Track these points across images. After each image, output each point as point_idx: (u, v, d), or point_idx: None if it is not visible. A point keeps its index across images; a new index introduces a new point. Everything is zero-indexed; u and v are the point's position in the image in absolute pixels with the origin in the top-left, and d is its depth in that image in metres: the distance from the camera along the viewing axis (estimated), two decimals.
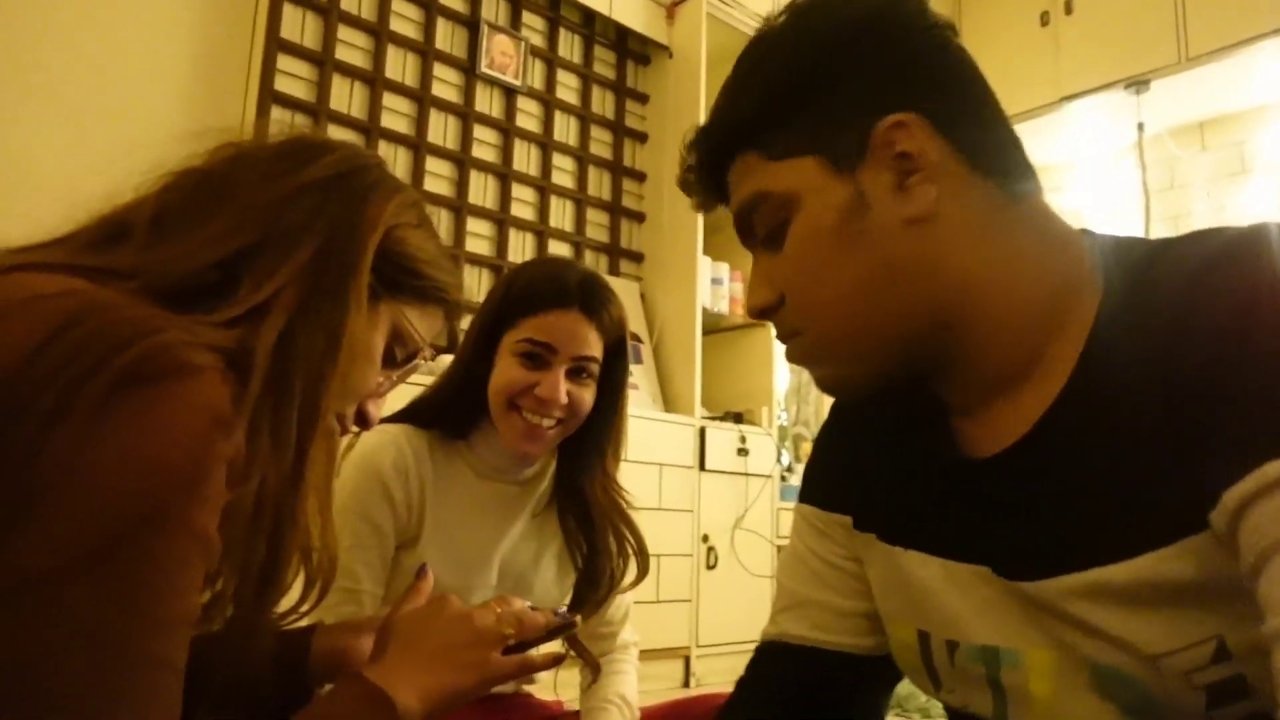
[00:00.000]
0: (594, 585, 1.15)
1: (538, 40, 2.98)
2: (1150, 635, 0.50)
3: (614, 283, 1.15)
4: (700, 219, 2.97)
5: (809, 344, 0.61)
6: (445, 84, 2.74)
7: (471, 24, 2.80)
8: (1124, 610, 0.51)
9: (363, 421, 0.67)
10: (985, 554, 0.59)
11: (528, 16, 2.96)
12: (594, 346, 1.08)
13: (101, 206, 0.57)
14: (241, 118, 2.25)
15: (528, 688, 1.23)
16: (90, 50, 2.11)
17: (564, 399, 1.06)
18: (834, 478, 0.74)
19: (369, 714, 0.63)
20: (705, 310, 2.99)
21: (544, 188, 2.94)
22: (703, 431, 2.82)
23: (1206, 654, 0.49)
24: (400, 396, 0.94)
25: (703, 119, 0.66)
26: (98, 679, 0.41)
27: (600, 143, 3.14)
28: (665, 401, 2.92)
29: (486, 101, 2.83)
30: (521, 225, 2.87)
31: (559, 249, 2.97)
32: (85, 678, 0.40)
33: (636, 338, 2.94)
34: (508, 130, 2.86)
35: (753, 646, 0.75)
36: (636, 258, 3.17)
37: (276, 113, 2.32)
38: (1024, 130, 0.61)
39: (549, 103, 2.99)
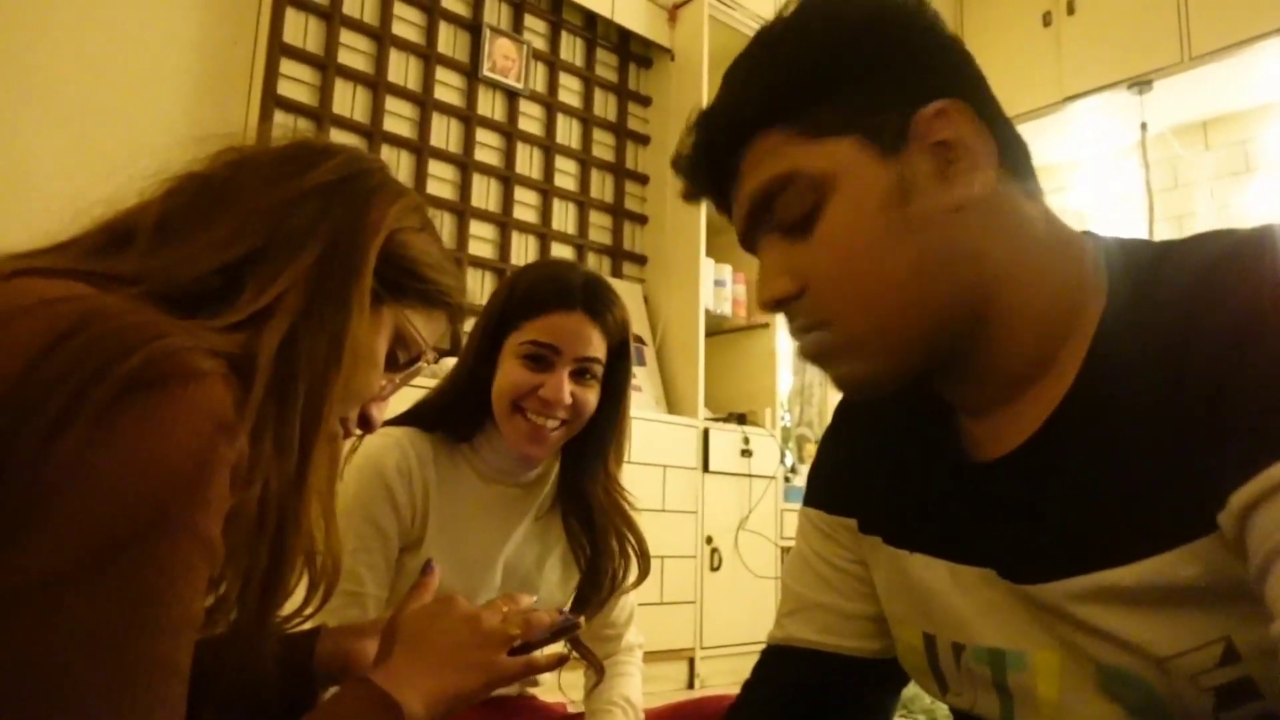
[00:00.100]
0: (596, 586, 1.15)
1: (540, 43, 2.99)
2: (1158, 637, 0.50)
3: (617, 285, 1.15)
4: (703, 221, 2.98)
5: (836, 338, 0.57)
6: (447, 87, 2.74)
7: (473, 27, 2.81)
8: (1131, 612, 0.51)
9: (366, 425, 0.67)
10: (991, 556, 0.58)
11: (530, 20, 2.97)
12: (597, 348, 1.08)
13: (105, 211, 0.58)
14: (244, 122, 2.25)
15: (532, 690, 1.23)
16: (93, 55, 2.12)
17: (568, 400, 1.06)
18: (839, 481, 0.73)
19: (374, 718, 0.62)
20: (708, 312, 2.99)
21: (546, 190, 2.94)
22: (706, 433, 2.81)
23: (1214, 656, 0.49)
24: (403, 399, 0.94)
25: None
26: (102, 684, 0.41)
27: (603, 145, 3.14)
28: (668, 403, 2.92)
29: (489, 105, 2.84)
30: (524, 228, 2.88)
31: (562, 251, 2.97)
32: (89, 682, 0.40)
33: (639, 339, 2.94)
34: (510, 133, 2.87)
35: (757, 648, 0.75)
36: (639, 260, 3.17)
37: (279, 117, 2.32)
38: (1026, 130, 0.61)
39: (551, 105, 2.99)
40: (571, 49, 3.10)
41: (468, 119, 2.76)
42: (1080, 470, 0.53)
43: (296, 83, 2.40)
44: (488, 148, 2.82)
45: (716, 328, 3.14)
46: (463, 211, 2.72)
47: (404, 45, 2.64)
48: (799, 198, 0.56)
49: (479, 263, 2.75)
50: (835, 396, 0.71)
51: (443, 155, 2.69)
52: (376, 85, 2.56)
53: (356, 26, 2.54)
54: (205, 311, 0.52)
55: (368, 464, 1.05)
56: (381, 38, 2.59)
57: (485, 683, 0.71)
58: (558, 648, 0.82)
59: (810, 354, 0.59)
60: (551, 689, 1.23)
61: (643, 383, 2.85)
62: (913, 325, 0.55)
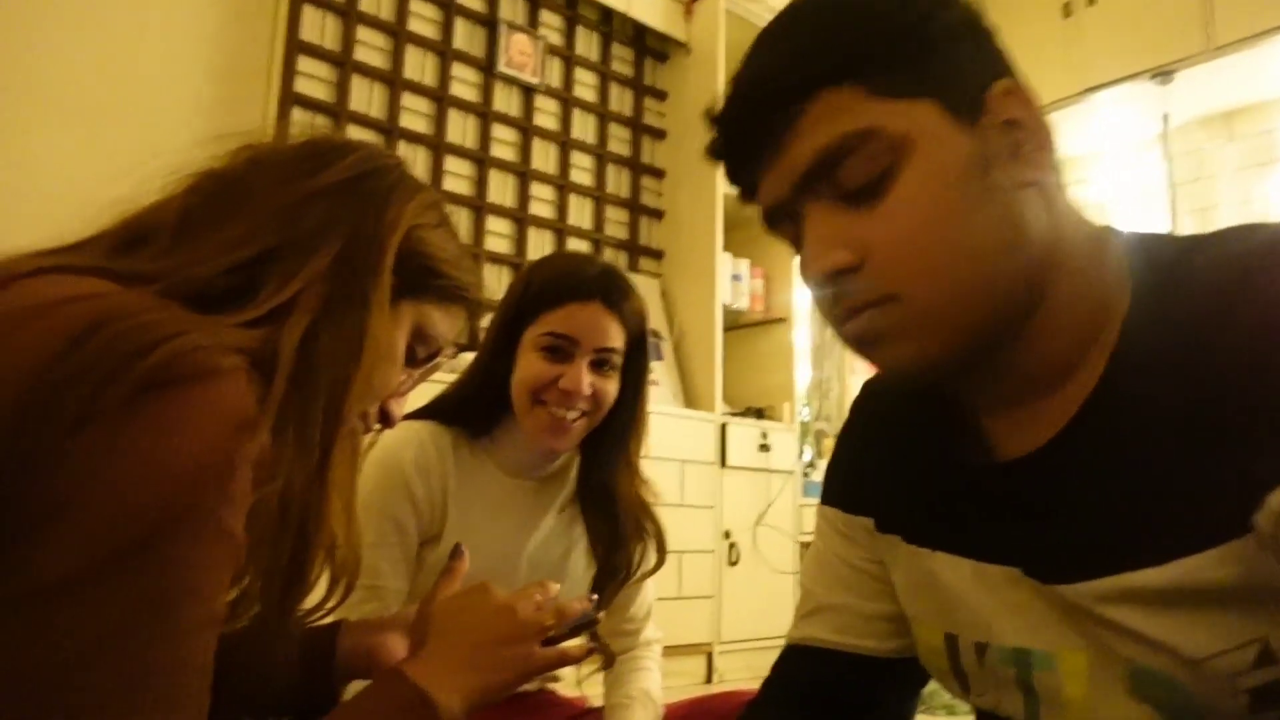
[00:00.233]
0: (612, 574, 1.15)
1: (556, 39, 2.98)
2: (1190, 638, 0.49)
3: (633, 280, 1.15)
4: (720, 215, 2.97)
5: (904, 312, 0.52)
6: (464, 83, 2.75)
7: (490, 23, 2.81)
8: (1162, 614, 0.50)
9: (385, 420, 0.67)
10: (1016, 555, 0.57)
11: (546, 15, 2.97)
12: (615, 338, 1.08)
13: (124, 209, 0.58)
14: (262, 120, 2.27)
15: (551, 685, 1.23)
16: (110, 54, 2.13)
17: (588, 390, 1.06)
18: (855, 479, 0.73)
19: (409, 717, 0.62)
20: (725, 306, 2.98)
21: (563, 186, 2.94)
22: (724, 428, 2.81)
23: (1249, 657, 0.48)
24: (421, 395, 0.94)
25: (712, 137, 0.59)
26: (125, 682, 0.41)
27: (619, 140, 3.14)
28: (686, 398, 2.92)
29: (505, 100, 2.84)
30: (540, 223, 2.88)
31: (578, 247, 2.97)
32: (112, 681, 0.41)
33: (657, 334, 2.94)
34: (526, 129, 2.87)
35: (775, 643, 0.75)
36: (656, 255, 3.17)
37: (297, 114, 2.34)
38: None
39: (567, 101, 2.99)
40: (587, 44, 3.09)
41: (484, 115, 2.77)
42: (1107, 469, 0.52)
43: (314, 80, 2.41)
44: (504, 143, 2.82)
45: (734, 322, 3.13)
46: (479, 207, 2.73)
47: (420, 41, 2.65)
48: (872, 159, 0.52)
49: (495, 258, 2.76)
50: (853, 391, 0.70)
51: (459, 151, 2.70)
52: (393, 82, 2.57)
53: (373, 23, 2.55)
54: (225, 309, 0.52)
55: (386, 458, 1.06)
56: (398, 34, 2.59)
57: (522, 675, 0.70)
58: (578, 640, 0.82)
59: (863, 333, 0.55)
60: (570, 684, 1.24)
61: (660, 377, 2.85)
62: (981, 303, 0.52)
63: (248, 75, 2.31)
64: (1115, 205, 3.39)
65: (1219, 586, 0.48)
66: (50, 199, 1.90)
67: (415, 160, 2.60)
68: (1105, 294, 0.55)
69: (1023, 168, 0.53)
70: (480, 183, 2.74)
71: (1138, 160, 3.43)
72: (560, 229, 2.93)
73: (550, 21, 2.99)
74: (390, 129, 2.54)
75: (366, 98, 2.53)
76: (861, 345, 0.56)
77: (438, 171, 2.64)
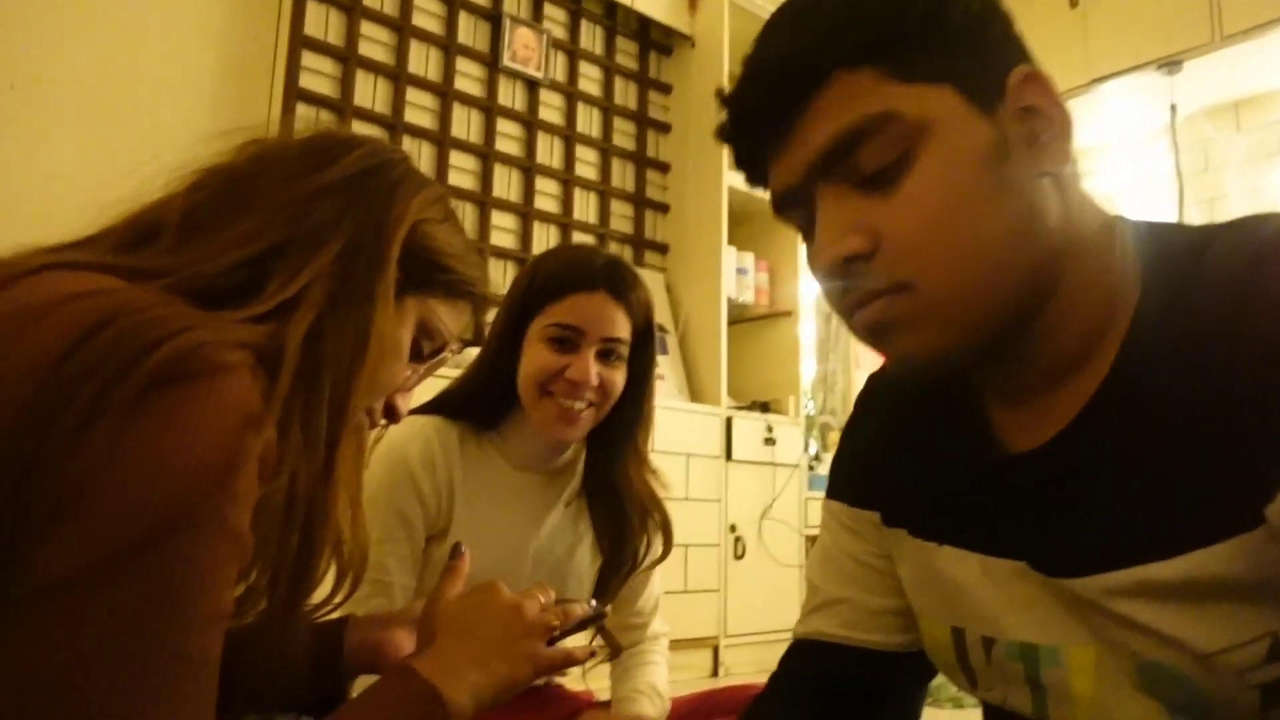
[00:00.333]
0: (618, 565, 1.15)
1: (560, 32, 2.98)
2: (1200, 633, 0.49)
3: (638, 274, 1.15)
4: (725, 209, 2.96)
5: (917, 301, 0.51)
6: (468, 78, 2.74)
7: (494, 17, 2.80)
8: (1172, 608, 0.50)
9: (391, 415, 0.67)
10: (1023, 549, 0.57)
11: (549, 9, 2.96)
12: (622, 328, 1.08)
13: (130, 206, 0.58)
14: (267, 115, 2.26)
15: (558, 679, 1.24)
16: (115, 51, 2.13)
17: (595, 380, 1.05)
18: (861, 473, 0.72)
19: (418, 712, 0.62)
20: (730, 300, 2.98)
21: (567, 180, 2.94)
22: (729, 421, 2.81)
23: (1260, 652, 0.48)
24: (427, 390, 0.94)
25: (722, 118, 0.58)
26: (132, 678, 0.41)
27: (623, 134, 3.13)
28: (691, 392, 2.92)
29: (509, 95, 2.84)
30: (546, 218, 2.88)
31: (583, 241, 2.96)
32: (120, 677, 0.41)
33: (662, 328, 2.93)
34: (531, 123, 2.86)
35: (781, 636, 0.75)
36: (661, 249, 3.16)
37: (301, 109, 2.34)
38: None
39: (572, 95, 2.98)
40: (591, 37, 3.08)
41: (488, 109, 2.76)
42: (1118, 462, 0.52)
43: (318, 75, 2.41)
44: (508, 138, 2.82)
45: (739, 316, 3.13)
46: (484, 202, 2.73)
47: (424, 36, 2.64)
48: (890, 143, 0.51)
49: (501, 253, 2.76)
50: (858, 385, 0.69)
51: (464, 146, 2.70)
52: (398, 77, 2.56)
53: (377, 18, 2.55)
54: (231, 304, 0.52)
55: (392, 453, 1.06)
56: (402, 29, 2.59)
57: (530, 673, 0.70)
58: (583, 638, 0.82)
59: (874, 322, 0.54)
60: (576, 678, 1.24)
61: (665, 371, 2.85)
62: (996, 293, 0.51)
63: (252, 71, 2.31)
64: (1122, 197, 3.37)
65: (1230, 580, 0.47)
66: (56, 196, 1.91)
67: (420, 155, 2.60)
68: (1116, 285, 0.54)
69: (1040, 156, 0.53)
70: (485, 177, 2.74)
71: (1145, 151, 3.41)
72: (565, 223, 2.92)
73: (554, 15, 2.98)
74: (394, 124, 2.54)
75: (371, 93, 2.53)
76: (872, 334, 0.55)
77: (442, 166, 2.63)
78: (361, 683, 0.76)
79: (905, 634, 0.69)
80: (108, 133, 2.07)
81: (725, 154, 3.02)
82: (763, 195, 0.59)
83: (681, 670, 2.43)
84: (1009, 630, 0.59)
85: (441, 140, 2.64)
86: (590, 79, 3.06)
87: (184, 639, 0.43)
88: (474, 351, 1.18)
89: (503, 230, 2.78)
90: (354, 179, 0.61)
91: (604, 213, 3.03)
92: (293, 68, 2.33)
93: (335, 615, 0.66)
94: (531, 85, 2.88)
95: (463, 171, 2.70)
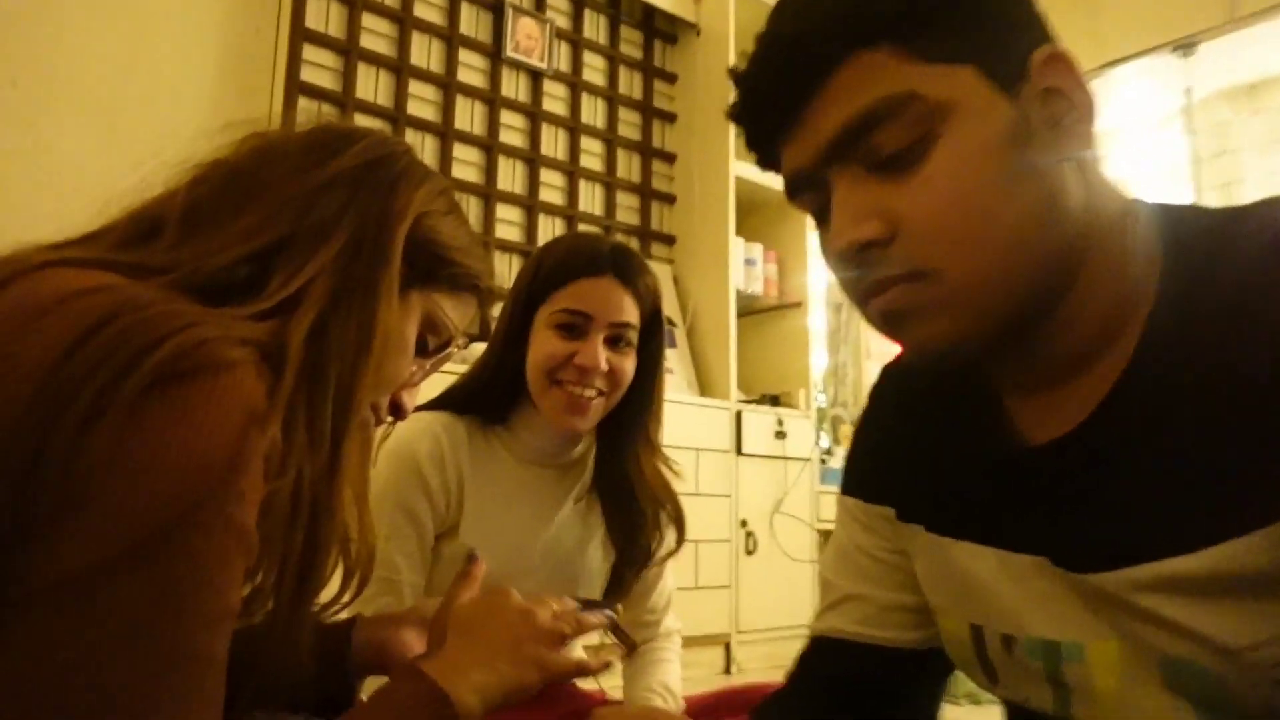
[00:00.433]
0: (631, 560, 1.14)
1: (563, 22, 2.96)
2: (1228, 628, 0.47)
3: (645, 260, 1.14)
4: (732, 199, 2.95)
5: (935, 289, 0.50)
6: (471, 69, 2.73)
7: (496, 7, 2.79)
8: (1198, 602, 0.48)
9: (397, 411, 0.67)
10: (1043, 544, 0.56)
11: None
12: (630, 312, 1.07)
13: (133, 201, 0.58)
14: (269, 109, 2.26)
15: None
16: (117, 45, 2.13)
17: (604, 366, 1.04)
18: (875, 468, 0.71)
19: (426, 713, 0.62)
20: (739, 292, 2.97)
21: (572, 172, 2.93)
22: (739, 415, 2.80)
23: None
24: (434, 385, 0.93)
25: (733, 98, 0.56)
26: (139, 675, 0.41)
27: (628, 124, 3.11)
28: (700, 385, 2.91)
29: (513, 86, 2.82)
30: (551, 210, 2.87)
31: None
32: (127, 674, 0.41)
33: (670, 321, 2.92)
34: (535, 114, 2.85)
35: (794, 632, 0.74)
36: (668, 240, 3.15)
37: (303, 102, 2.33)
38: None
39: (576, 85, 2.97)
40: (595, 27, 3.07)
41: (492, 101, 2.75)
42: (1140, 453, 0.51)
43: (319, 68, 2.40)
44: (512, 129, 2.81)
45: (748, 308, 3.11)
46: (488, 195, 2.72)
47: (426, 27, 2.63)
48: (910, 125, 0.50)
49: (506, 246, 2.75)
50: (870, 376, 0.68)
51: (467, 138, 2.69)
52: (399, 69, 2.55)
53: (378, 10, 2.53)
54: (234, 300, 0.52)
55: (399, 450, 1.05)
56: (403, 20, 2.58)
57: (539, 678, 0.71)
58: (594, 639, 0.82)
59: (891, 310, 0.52)
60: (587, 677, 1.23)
61: (674, 365, 2.84)
62: (1017, 280, 0.50)
63: (253, 65, 2.31)
64: (1137, 182, 3.34)
65: (1257, 573, 0.46)
66: (58, 191, 1.91)
67: (423, 148, 2.59)
68: (1137, 271, 0.53)
69: (1063, 140, 0.51)
70: (489, 170, 2.73)
71: (1159, 135, 3.38)
72: (571, 215, 2.91)
73: (557, 5, 2.96)
74: (397, 117, 2.53)
75: (373, 85, 2.52)
76: (888, 322, 0.53)
77: (446, 159, 2.62)
78: (371, 684, 0.75)
79: (922, 630, 0.68)
80: (109, 128, 2.07)
81: (732, 143, 3.01)
82: (771, 185, 0.58)
83: (693, 668, 2.43)
84: (1029, 627, 0.58)
85: (444, 133, 2.63)
86: (594, 69, 3.05)
87: (190, 637, 0.43)
88: (480, 347, 1.17)
89: (507, 223, 2.77)
90: (357, 172, 0.60)
91: (610, 204, 3.02)
92: (294, 61, 2.32)
93: (344, 614, 0.65)
94: (535, 76, 2.86)
95: (466, 164, 2.69)
